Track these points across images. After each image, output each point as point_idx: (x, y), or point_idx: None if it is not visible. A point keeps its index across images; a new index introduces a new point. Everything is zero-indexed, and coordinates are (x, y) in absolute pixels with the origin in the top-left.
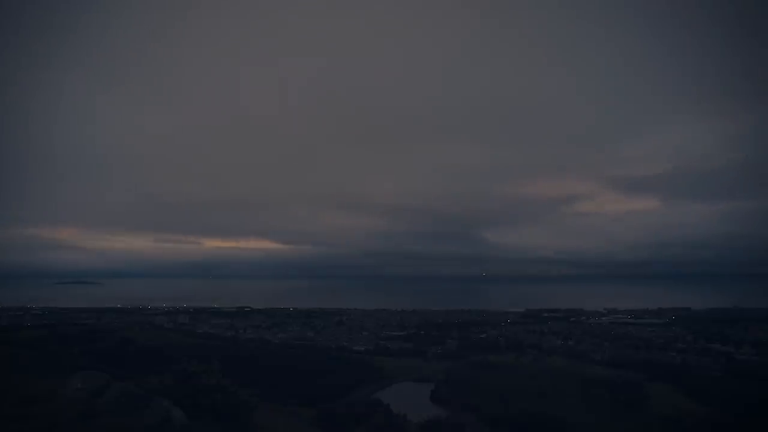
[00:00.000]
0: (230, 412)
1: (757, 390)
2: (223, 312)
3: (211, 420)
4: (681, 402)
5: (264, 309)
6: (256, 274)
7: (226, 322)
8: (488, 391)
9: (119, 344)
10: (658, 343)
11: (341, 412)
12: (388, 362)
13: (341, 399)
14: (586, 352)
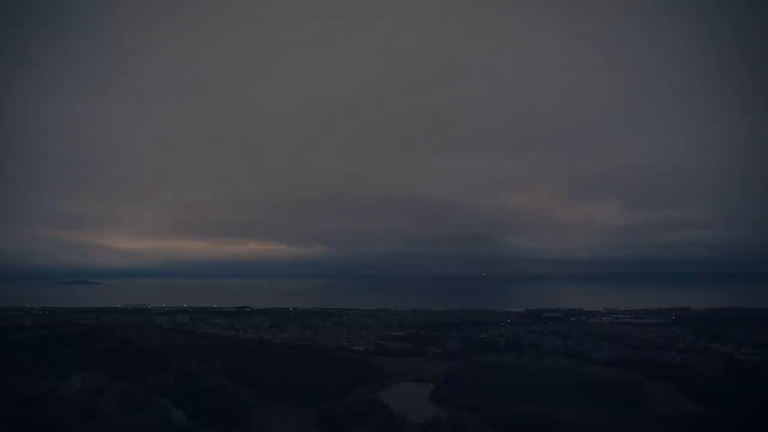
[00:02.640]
0: (230, 412)
1: (757, 390)
2: (223, 312)
3: (211, 420)
4: (681, 402)
5: (264, 309)
6: (292, 274)
7: (226, 322)
8: (488, 391)
9: (119, 344)
10: (658, 343)
11: (341, 412)
12: (388, 362)
13: (341, 399)
14: (586, 352)
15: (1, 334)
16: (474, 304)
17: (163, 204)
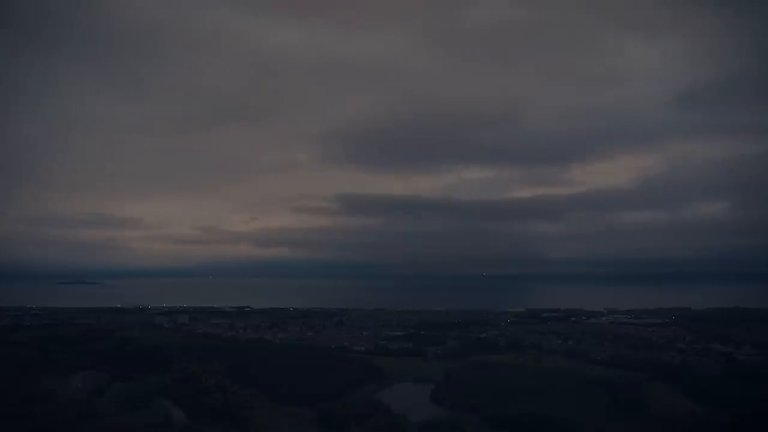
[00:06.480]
0: (230, 412)
1: (757, 390)
2: (223, 312)
3: (211, 420)
4: (681, 402)
5: (264, 309)
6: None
7: (226, 322)
8: (488, 391)
9: (119, 344)
10: (658, 343)
11: (341, 412)
12: (388, 362)
13: (341, 399)
14: (586, 352)
15: (1, 334)
16: (474, 304)
17: (171, 204)
